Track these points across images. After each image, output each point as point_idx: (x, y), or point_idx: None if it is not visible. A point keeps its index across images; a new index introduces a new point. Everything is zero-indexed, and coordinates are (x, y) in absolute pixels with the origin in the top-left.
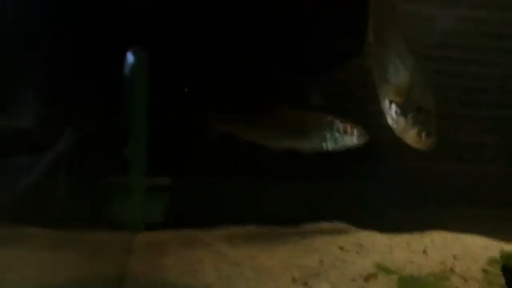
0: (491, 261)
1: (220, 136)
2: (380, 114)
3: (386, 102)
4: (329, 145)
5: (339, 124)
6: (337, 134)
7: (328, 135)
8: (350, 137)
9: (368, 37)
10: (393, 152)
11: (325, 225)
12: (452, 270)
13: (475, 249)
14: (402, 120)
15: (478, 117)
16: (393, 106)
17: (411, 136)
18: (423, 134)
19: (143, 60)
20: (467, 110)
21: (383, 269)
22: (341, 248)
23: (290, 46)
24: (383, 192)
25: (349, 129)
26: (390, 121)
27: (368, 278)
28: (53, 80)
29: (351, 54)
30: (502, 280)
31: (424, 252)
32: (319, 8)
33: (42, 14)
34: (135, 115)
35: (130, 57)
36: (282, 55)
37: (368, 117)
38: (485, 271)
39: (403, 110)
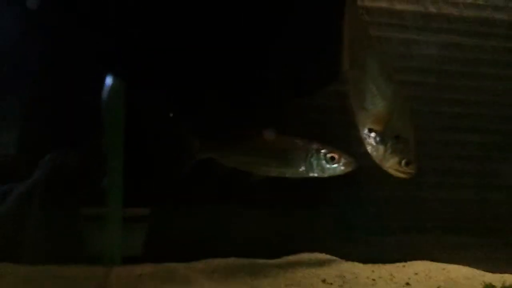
0: None
1: (201, 162)
2: (359, 141)
3: (365, 130)
4: (316, 174)
5: (326, 152)
6: (324, 162)
7: (315, 163)
8: (338, 166)
9: (343, 63)
10: (372, 179)
11: (306, 256)
12: None
13: (458, 280)
14: (381, 149)
15: (455, 142)
16: (372, 134)
17: (391, 164)
18: (403, 163)
19: (120, 89)
20: (444, 136)
21: None
22: (324, 281)
23: (266, 72)
24: (365, 220)
25: (336, 157)
26: (369, 149)
27: None
28: (30, 106)
29: (327, 80)
30: None
31: (408, 284)
32: (294, 34)
33: (17, 42)
34: (111, 144)
35: (108, 84)
36: (258, 82)
37: (348, 144)
38: None
39: (382, 139)
